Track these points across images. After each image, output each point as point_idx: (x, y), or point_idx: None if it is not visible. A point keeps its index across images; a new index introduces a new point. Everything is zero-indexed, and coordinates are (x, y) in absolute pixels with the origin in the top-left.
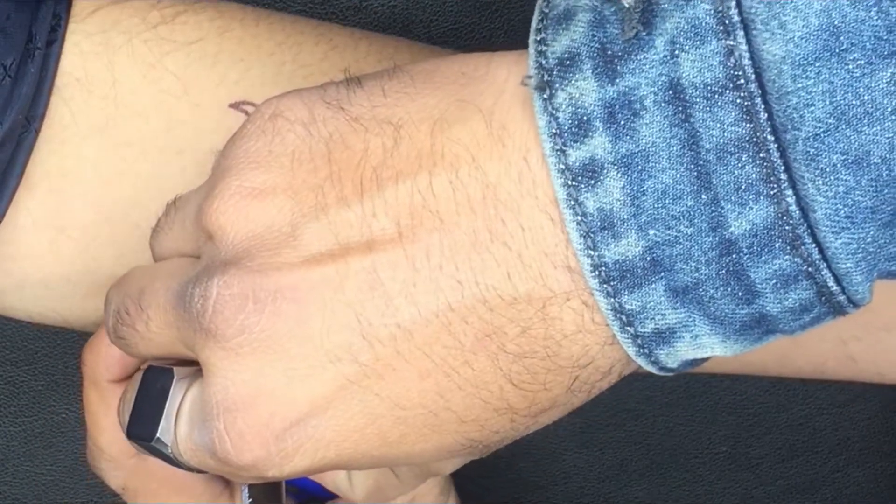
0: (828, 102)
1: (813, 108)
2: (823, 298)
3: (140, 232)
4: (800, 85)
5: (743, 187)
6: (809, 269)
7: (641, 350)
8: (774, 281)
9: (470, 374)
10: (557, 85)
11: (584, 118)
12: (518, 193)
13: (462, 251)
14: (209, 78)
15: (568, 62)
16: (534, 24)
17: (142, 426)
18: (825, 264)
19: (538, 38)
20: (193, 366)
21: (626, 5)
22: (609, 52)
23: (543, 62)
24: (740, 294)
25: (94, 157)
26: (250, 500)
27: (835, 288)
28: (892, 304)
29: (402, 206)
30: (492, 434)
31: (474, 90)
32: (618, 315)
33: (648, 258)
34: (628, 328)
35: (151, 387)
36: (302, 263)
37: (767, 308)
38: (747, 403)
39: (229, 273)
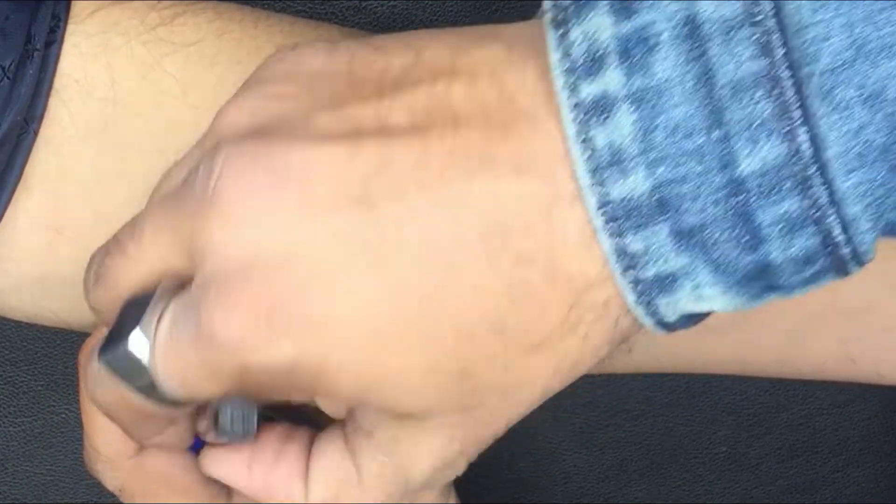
0: (846, 36)
1: (830, 41)
2: (828, 249)
3: None
4: (818, 18)
5: (755, 124)
6: (817, 213)
7: (641, 298)
8: (781, 225)
9: (470, 274)
10: (573, 21)
11: (598, 54)
12: (533, 105)
13: (475, 144)
14: (208, 79)
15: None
16: None
17: (116, 341)
18: (833, 209)
19: None
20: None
21: None
22: None
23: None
24: (746, 239)
25: (92, 158)
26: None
27: (840, 237)
28: (891, 304)
29: (419, 105)
30: (482, 363)
31: (493, 30)
32: (620, 257)
33: (656, 197)
34: (630, 271)
35: (131, 308)
36: (313, 138)
37: (772, 255)
38: (747, 403)
39: (238, 145)
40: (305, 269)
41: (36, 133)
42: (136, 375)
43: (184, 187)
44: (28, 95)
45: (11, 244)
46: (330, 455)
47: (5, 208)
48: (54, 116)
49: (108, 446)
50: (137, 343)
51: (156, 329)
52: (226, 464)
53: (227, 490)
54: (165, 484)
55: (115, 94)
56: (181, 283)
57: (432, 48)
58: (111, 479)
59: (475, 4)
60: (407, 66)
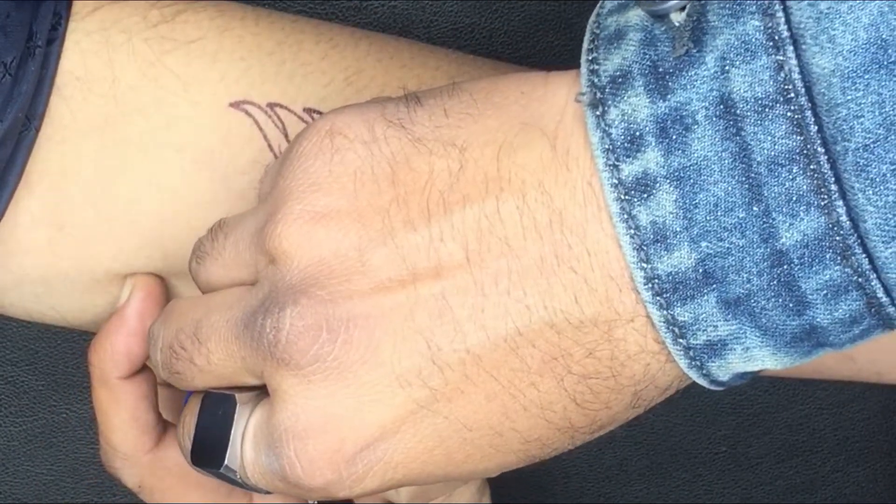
0: (877, 113)
1: (862, 119)
2: (873, 310)
3: (138, 230)
4: (849, 97)
5: (794, 199)
6: (859, 279)
7: (693, 363)
8: (825, 292)
9: (535, 395)
10: (610, 102)
11: (637, 133)
12: (583, 218)
13: (530, 276)
14: (209, 76)
15: (620, 80)
16: (585, 45)
17: (207, 454)
18: (875, 275)
19: (590, 58)
20: (253, 390)
21: (677, 24)
22: (660, 70)
23: (596, 80)
24: (791, 305)
25: (93, 155)
26: None
27: (884, 299)
28: None
29: (470, 231)
30: (551, 451)
31: (535, 112)
32: (670, 327)
33: (701, 270)
34: (680, 340)
35: (213, 413)
36: (372, 291)
37: (818, 319)
38: (747, 403)
39: (301, 304)
40: (378, 420)
41: (37, 130)
42: (229, 479)
43: (251, 325)
44: (29, 93)
45: (13, 241)
46: None
47: (7, 205)
48: (56, 113)
49: (125, 443)
50: (230, 466)
51: (242, 445)
52: None
53: None
54: (183, 478)
55: (116, 91)
56: (256, 392)
57: (476, 146)
58: (130, 475)
59: (475, 4)
60: (452, 171)
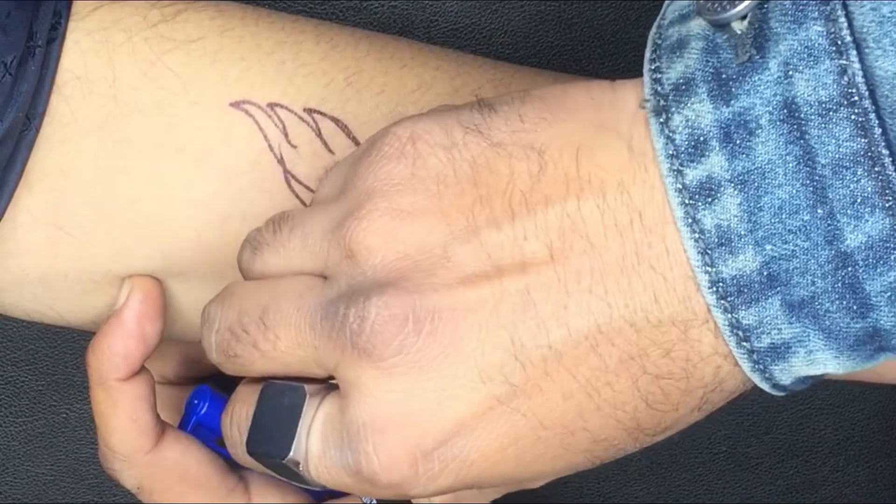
0: None
1: None
2: None
3: (138, 230)
4: None
5: (858, 200)
6: None
7: (756, 366)
8: (889, 293)
9: (610, 394)
10: (673, 108)
11: (701, 139)
12: (662, 217)
13: (611, 274)
14: (209, 76)
15: (683, 87)
16: (647, 55)
17: (270, 443)
18: None
19: (652, 67)
20: (318, 382)
21: (739, 31)
22: (723, 76)
23: (659, 88)
24: (855, 307)
25: (93, 155)
26: None
27: None
28: None
29: (553, 229)
30: (615, 453)
31: (608, 116)
32: (734, 330)
33: (765, 273)
34: (744, 343)
35: (276, 403)
36: (458, 284)
37: (881, 322)
38: (747, 403)
39: (387, 293)
40: (458, 415)
41: (37, 130)
42: (286, 472)
43: (331, 315)
44: (30, 92)
45: (13, 241)
46: None
47: (7, 205)
48: (56, 113)
49: (124, 445)
50: (293, 456)
51: (307, 438)
52: None
53: (243, 486)
54: (182, 479)
55: (116, 91)
56: (324, 385)
57: (553, 149)
58: (129, 477)
59: (475, 4)
60: (533, 173)
